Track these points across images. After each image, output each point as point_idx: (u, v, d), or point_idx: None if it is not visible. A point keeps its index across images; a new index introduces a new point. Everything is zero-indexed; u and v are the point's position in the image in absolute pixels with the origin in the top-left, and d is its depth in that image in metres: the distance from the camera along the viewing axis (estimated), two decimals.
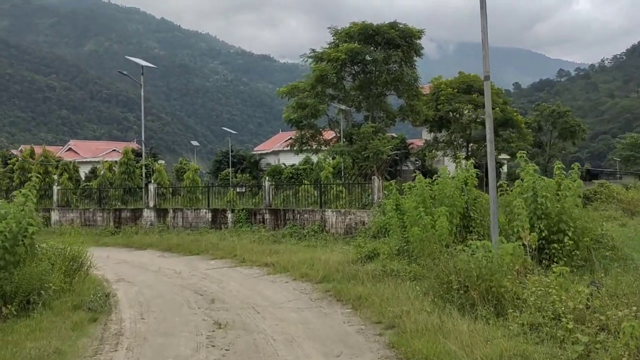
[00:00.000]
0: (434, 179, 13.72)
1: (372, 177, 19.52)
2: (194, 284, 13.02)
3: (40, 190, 29.10)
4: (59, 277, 10.26)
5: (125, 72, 27.86)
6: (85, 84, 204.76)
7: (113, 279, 13.98)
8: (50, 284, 9.52)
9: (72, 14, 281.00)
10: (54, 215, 27.68)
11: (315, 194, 23.65)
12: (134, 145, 71.39)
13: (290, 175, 46.69)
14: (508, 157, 54.80)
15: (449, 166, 51.63)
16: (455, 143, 45.99)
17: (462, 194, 12.69)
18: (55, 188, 27.82)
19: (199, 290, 12.07)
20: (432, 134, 48.23)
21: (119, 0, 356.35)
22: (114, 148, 60.90)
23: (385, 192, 20.71)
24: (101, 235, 24.69)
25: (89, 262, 12.34)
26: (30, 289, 9.09)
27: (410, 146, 53.88)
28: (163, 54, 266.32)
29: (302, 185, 24.04)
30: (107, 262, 17.58)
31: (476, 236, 11.96)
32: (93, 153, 61.20)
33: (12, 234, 8.74)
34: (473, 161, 14.00)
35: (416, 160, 52.68)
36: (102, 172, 28.60)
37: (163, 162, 66.60)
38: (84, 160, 56.04)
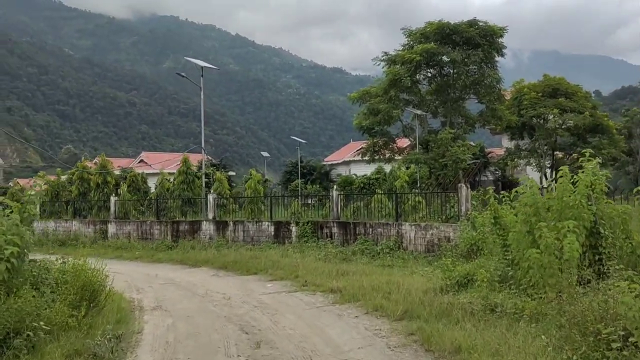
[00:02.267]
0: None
1: (459, 185, 16.52)
2: (242, 315, 10.51)
3: (99, 202, 27.79)
4: (62, 310, 7.95)
5: (183, 74, 26.13)
6: (164, 100, 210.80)
7: (149, 306, 11.69)
8: (40, 322, 7.16)
9: (151, 33, 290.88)
10: (111, 228, 26.17)
11: (390, 206, 20.83)
12: (205, 156, 70.95)
13: (362, 185, 44.05)
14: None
15: (531, 176, 47.74)
16: (539, 151, 41.98)
17: (589, 203, 9.52)
18: (112, 199, 26.35)
19: (246, 326, 9.52)
20: (514, 141, 44.47)
21: (196, 18, 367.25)
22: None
23: (474, 202, 17.66)
24: (157, 250, 22.83)
25: (107, 286, 9.95)
26: (10, 329, 6.80)
27: (489, 155, 50.15)
28: (238, 69, 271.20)
29: (375, 196, 21.25)
30: (153, 282, 15.48)
31: (609, 261, 8.82)
32: (165, 165, 60.73)
33: None
34: (598, 160, 10.75)
35: (495, 170, 49.05)
36: (159, 182, 26.91)
37: (233, 173, 65.72)
38: (154, 172, 55.41)
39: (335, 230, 20.01)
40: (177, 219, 24.87)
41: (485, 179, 48.90)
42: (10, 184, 59.94)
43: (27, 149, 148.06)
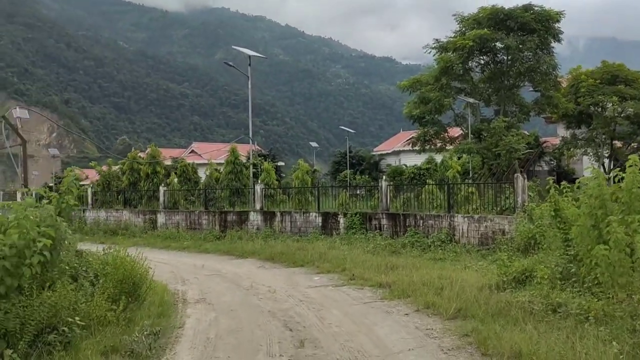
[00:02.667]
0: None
1: (515, 176, 15.67)
2: (286, 310, 10.14)
3: (149, 192, 28.01)
4: (100, 304, 7.72)
5: (231, 64, 25.93)
6: (215, 91, 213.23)
7: (193, 299, 11.47)
8: (76, 318, 6.91)
9: (203, 25, 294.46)
10: (160, 218, 26.31)
11: (442, 197, 20.10)
12: (254, 146, 71.27)
13: (412, 176, 43.23)
14: None
15: (589, 166, 45.79)
16: (597, 140, 40.11)
17: None
18: (162, 189, 26.46)
19: (290, 322, 9.13)
20: (570, 130, 42.65)
21: (246, 9, 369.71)
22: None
23: (530, 194, 16.78)
24: (205, 240, 22.78)
25: (149, 279, 9.72)
26: (45, 324, 6.59)
27: (544, 144, 48.47)
28: (287, 59, 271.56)
29: (426, 186, 20.55)
30: (199, 273, 15.32)
31: None
32: (215, 155, 61.14)
33: (15, 249, 6.21)
34: None
35: (550, 160, 47.30)
36: (208, 172, 26.86)
37: (282, 163, 65.76)
38: (204, 162, 55.82)
39: (384, 221, 19.45)
40: (225, 209, 24.77)
41: (540, 169, 47.33)
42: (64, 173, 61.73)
43: (84, 140, 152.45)
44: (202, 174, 32.80)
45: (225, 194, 25.47)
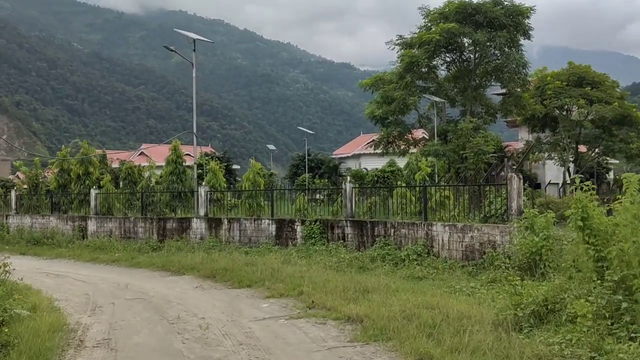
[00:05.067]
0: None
1: (509, 176, 13.03)
2: None
3: (80, 195, 24.55)
4: None
5: (172, 48, 22.71)
6: (172, 94, 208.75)
7: (93, 341, 8.32)
8: None
9: (160, 27, 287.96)
10: (91, 225, 22.85)
11: (415, 201, 17.41)
12: (208, 149, 67.67)
13: (375, 179, 40.65)
14: (617, 161, 46.99)
15: (549, 171, 44.25)
16: (562, 144, 38.66)
17: None
18: (93, 192, 22.97)
19: None
20: (534, 134, 41.23)
21: (204, 13, 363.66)
22: (187, 152, 56.68)
23: (525, 197, 14.21)
24: (140, 251, 19.49)
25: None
26: None
27: (506, 149, 47.01)
28: (246, 63, 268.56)
29: (396, 189, 17.80)
30: (120, 296, 12.18)
31: None
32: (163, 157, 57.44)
33: None
34: None
35: (513, 165, 45.74)
36: (147, 174, 23.52)
37: (237, 166, 62.42)
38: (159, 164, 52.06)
39: (348, 230, 16.60)
40: (164, 215, 21.52)
41: (502, 173, 45.57)
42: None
43: (36, 142, 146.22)
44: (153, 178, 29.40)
45: (165, 198, 22.18)
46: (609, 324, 6.41)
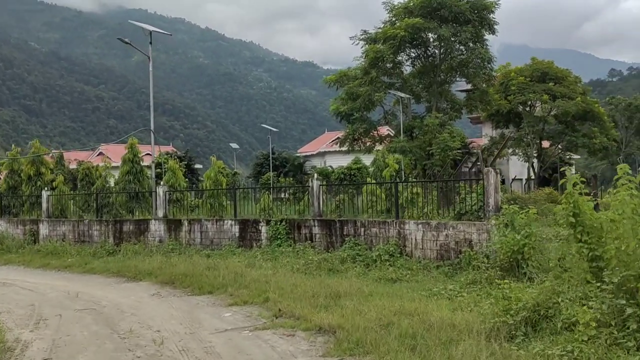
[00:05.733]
0: None
1: (486, 170, 12.37)
2: None
3: (31, 197, 23.13)
4: None
5: (127, 40, 21.47)
6: (133, 94, 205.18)
7: None
8: None
9: (120, 26, 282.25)
10: (43, 229, 21.45)
11: (385, 199, 16.71)
12: (169, 148, 65.94)
13: (342, 177, 39.95)
14: (578, 156, 47.62)
15: (513, 167, 44.38)
16: (525, 140, 38.78)
17: None
18: (44, 194, 21.56)
19: None
20: (498, 130, 41.33)
21: (165, 11, 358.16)
22: (148, 152, 54.99)
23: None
24: (94, 256, 18.29)
25: None
26: None
27: (470, 145, 47.09)
28: (208, 62, 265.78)
29: (366, 186, 17.03)
30: (68, 307, 11.13)
31: None
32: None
33: None
34: None
35: (477, 161, 45.90)
36: (102, 174, 22.20)
37: (200, 166, 60.92)
38: (116, 165, 50.28)
39: (316, 230, 15.76)
40: (121, 217, 20.30)
41: (467, 169, 45.79)
42: None
43: None
44: (112, 179, 28.06)
45: (122, 200, 20.95)
46: (613, 332, 5.73)
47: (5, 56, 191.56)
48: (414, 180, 19.63)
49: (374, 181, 21.17)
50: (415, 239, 13.38)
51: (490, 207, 12.00)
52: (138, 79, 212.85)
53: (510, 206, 10.70)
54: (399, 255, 13.33)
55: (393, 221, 14.13)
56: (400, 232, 13.79)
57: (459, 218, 13.60)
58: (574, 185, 7.36)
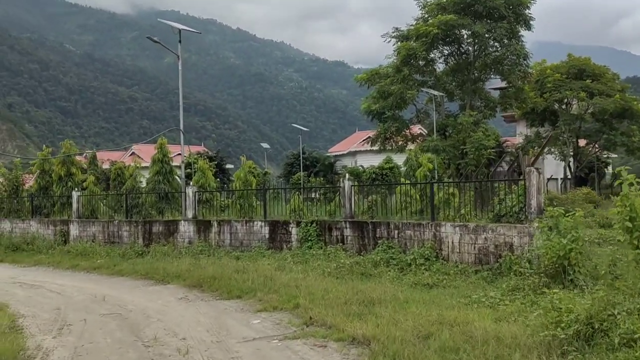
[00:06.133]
0: None
1: (528, 170, 11.71)
2: None
3: (62, 198, 23.17)
4: None
5: (156, 39, 21.29)
6: (166, 95, 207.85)
7: None
8: None
9: (152, 27, 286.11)
10: (73, 230, 21.45)
11: (420, 200, 16.14)
12: (200, 148, 66.14)
13: (373, 177, 39.36)
14: (614, 155, 46.15)
15: (548, 166, 43.14)
16: (562, 138, 37.64)
17: None
18: (75, 194, 21.55)
19: None
20: (534, 128, 40.24)
21: (197, 12, 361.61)
22: (178, 152, 55.20)
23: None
24: (124, 257, 18.14)
25: None
26: None
27: (504, 144, 46.08)
28: (239, 63, 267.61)
29: (399, 187, 16.49)
30: (93, 311, 10.86)
31: None
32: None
33: None
34: None
35: (511, 160, 44.87)
36: (133, 174, 22.07)
37: (231, 166, 60.95)
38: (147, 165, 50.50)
39: (347, 232, 15.28)
40: (150, 218, 20.14)
41: (501, 169, 44.87)
42: None
43: (29, 145, 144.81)
44: (144, 179, 28.04)
45: (151, 200, 20.79)
46: None
47: (41, 58, 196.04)
48: (451, 180, 18.96)
49: (407, 181, 20.57)
50: (452, 242, 12.79)
51: (533, 209, 11.35)
52: (170, 80, 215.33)
53: (555, 208, 10.03)
54: (434, 259, 12.75)
55: (428, 223, 13.55)
56: (436, 235, 13.21)
57: (498, 220, 12.96)
58: (630, 185, 6.74)
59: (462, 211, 14.27)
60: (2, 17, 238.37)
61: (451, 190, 16.32)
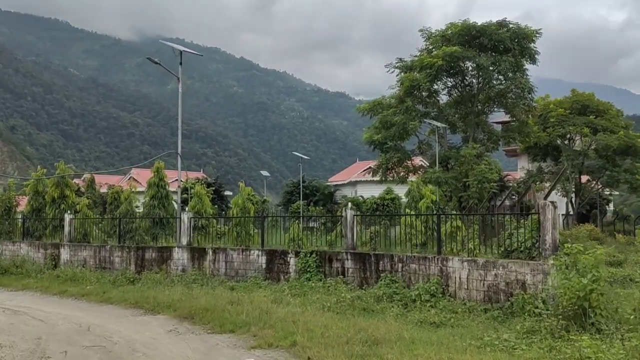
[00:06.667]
0: None
1: (542, 203, 11.09)
2: None
3: (54, 220, 22.48)
4: None
5: (157, 60, 20.85)
6: (167, 121, 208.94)
7: None
8: None
9: (156, 54, 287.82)
10: (64, 254, 20.70)
11: (423, 231, 15.48)
12: (199, 174, 65.57)
13: (374, 207, 38.71)
14: (616, 193, 45.66)
15: (555, 201, 42.66)
16: (564, 174, 37.21)
17: None
18: (67, 217, 20.87)
19: None
20: (536, 163, 39.86)
21: (201, 40, 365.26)
22: (176, 178, 54.57)
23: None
24: (114, 284, 17.38)
25: None
26: None
27: (505, 178, 45.61)
28: (241, 91, 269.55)
29: (404, 217, 15.83)
30: (76, 343, 10.13)
31: None
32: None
33: None
34: None
35: (512, 195, 44.34)
36: (127, 198, 21.38)
37: (229, 193, 60.27)
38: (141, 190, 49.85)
39: (349, 264, 14.57)
40: (143, 244, 19.41)
41: (501, 204, 44.38)
42: None
43: (29, 166, 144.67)
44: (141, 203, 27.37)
45: (145, 225, 20.10)
46: None
47: (45, 82, 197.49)
48: (458, 212, 18.34)
49: (411, 212, 19.91)
50: (460, 278, 12.09)
51: (547, 245, 10.69)
52: (173, 106, 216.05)
53: (574, 245, 9.38)
54: (441, 296, 12.04)
55: (434, 257, 12.87)
56: (443, 270, 12.51)
57: (507, 256, 12.27)
58: None
59: (470, 245, 13.58)
60: (8, 39, 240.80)
61: (456, 223, 15.68)
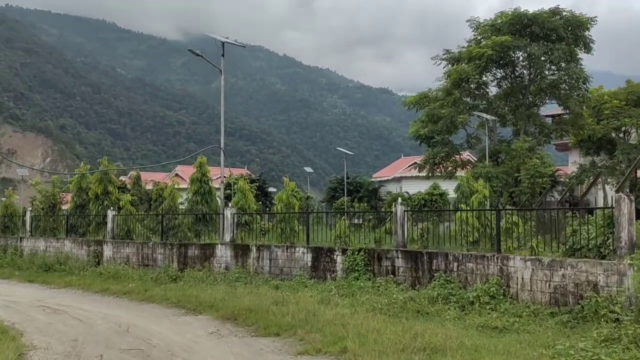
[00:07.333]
0: None
1: (618, 197, 10.03)
2: None
3: (97, 217, 22.34)
4: None
5: (198, 52, 20.44)
6: (212, 119, 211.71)
7: None
8: None
9: (202, 53, 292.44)
10: (107, 250, 20.50)
11: (480, 228, 14.49)
12: (243, 171, 65.50)
13: (422, 203, 37.64)
14: None
15: (602, 199, 40.70)
16: (619, 169, 35.26)
17: None
18: (110, 214, 20.66)
19: None
20: (588, 157, 37.96)
21: (244, 39, 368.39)
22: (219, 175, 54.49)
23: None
24: (156, 282, 17.00)
25: None
26: None
27: (556, 173, 43.74)
28: (284, 89, 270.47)
29: (458, 213, 14.88)
30: (113, 346, 9.62)
31: None
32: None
33: None
34: None
35: (563, 190, 42.51)
36: (170, 194, 21.01)
37: (274, 189, 59.89)
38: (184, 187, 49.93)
39: (399, 262, 13.73)
40: (185, 241, 19.00)
41: (552, 199, 42.53)
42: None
43: (78, 165, 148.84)
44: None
45: (189, 221, 19.68)
46: None
47: (93, 82, 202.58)
48: (518, 208, 17.26)
49: (465, 208, 18.89)
50: (522, 279, 11.11)
51: (623, 243, 9.62)
52: (217, 104, 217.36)
53: None
54: (501, 298, 11.09)
55: (494, 255, 11.90)
56: (503, 269, 11.54)
57: (572, 254, 11.24)
58: None
59: (532, 243, 12.55)
60: (58, 40, 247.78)
61: (513, 219, 14.64)
